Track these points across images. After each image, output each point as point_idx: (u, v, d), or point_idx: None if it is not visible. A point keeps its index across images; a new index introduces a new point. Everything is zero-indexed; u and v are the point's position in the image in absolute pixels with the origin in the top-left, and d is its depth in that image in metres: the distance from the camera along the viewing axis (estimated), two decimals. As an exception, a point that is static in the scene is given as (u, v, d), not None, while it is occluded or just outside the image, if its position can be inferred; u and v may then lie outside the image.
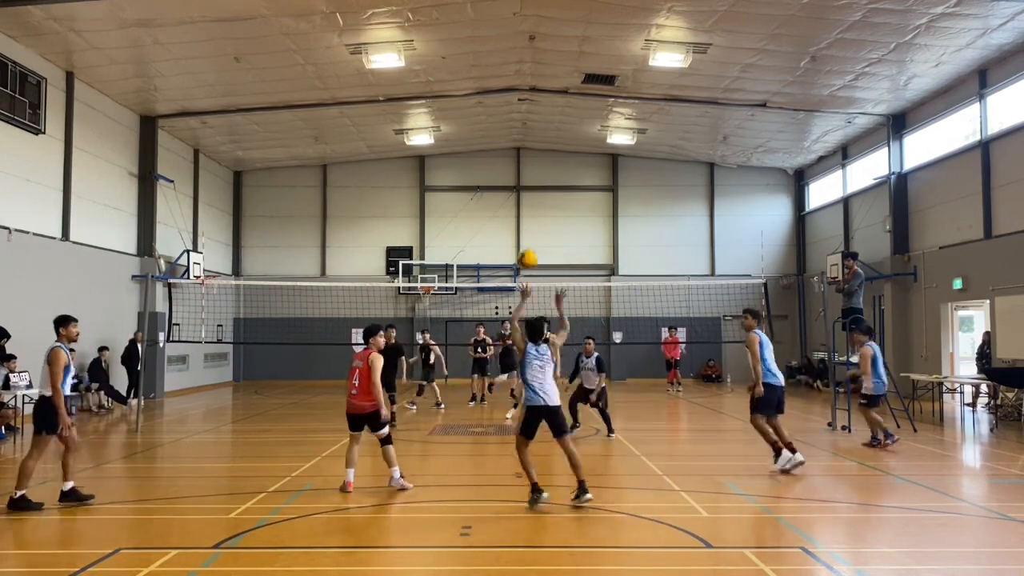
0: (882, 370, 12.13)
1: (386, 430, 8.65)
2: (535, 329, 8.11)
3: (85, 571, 5.74)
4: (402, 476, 8.56)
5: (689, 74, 18.77)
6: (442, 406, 17.32)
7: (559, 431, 7.89)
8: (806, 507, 8.00)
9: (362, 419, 8.62)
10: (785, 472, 9.36)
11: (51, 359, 7.88)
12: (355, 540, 6.88)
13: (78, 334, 8.41)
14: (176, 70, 17.90)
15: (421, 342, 17.71)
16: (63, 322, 8.27)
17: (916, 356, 20.25)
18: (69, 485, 8.00)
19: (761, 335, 9.79)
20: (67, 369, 7.94)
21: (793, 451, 9.42)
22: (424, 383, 17.31)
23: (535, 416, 7.88)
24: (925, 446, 11.85)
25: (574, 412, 13.48)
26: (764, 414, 9.52)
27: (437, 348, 17.73)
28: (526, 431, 7.89)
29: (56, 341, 8.11)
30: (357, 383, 8.56)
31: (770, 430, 9.48)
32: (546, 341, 8.08)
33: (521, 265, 11.19)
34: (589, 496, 7.68)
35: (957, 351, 19.77)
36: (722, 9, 15.13)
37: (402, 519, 7.64)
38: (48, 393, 7.87)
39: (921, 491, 8.64)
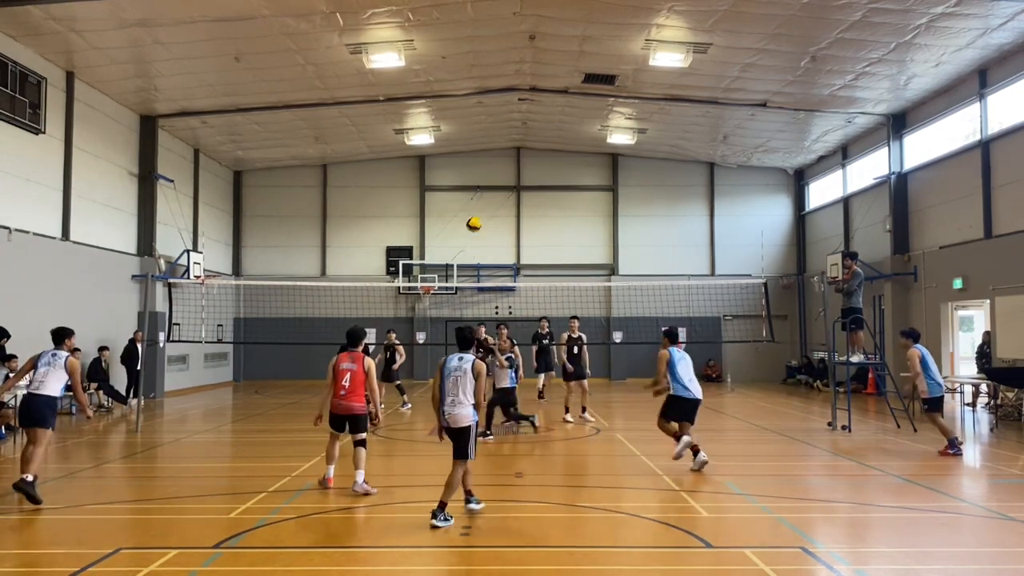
0: (934, 370, 11.53)
1: (365, 433, 8.70)
2: (463, 339, 7.62)
3: (85, 571, 5.74)
4: (366, 481, 8.47)
5: (689, 74, 18.77)
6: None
7: (457, 453, 7.29)
8: (806, 507, 8.00)
9: (349, 419, 8.66)
10: (678, 458, 9.87)
11: (71, 368, 8.69)
12: (355, 540, 6.89)
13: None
14: (176, 70, 17.90)
15: (386, 342, 17.28)
16: (70, 333, 9.12)
17: (916, 356, 20.22)
18: (31, 476, 8.09)
19: (673, 352, 9.99)
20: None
21: (679, 438, 9.84)
22: (400, 383, 17.09)
23: (446, 433, 7.39)
24: (925, 446, 11.83)
25: (489, 418, 12.76)
26: (669, 419, 9.97)
27: (402, 348, 17.53)
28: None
29: (59, 348, 8.83)
30: (348, 384, 8.56)
31: (673, 428, 9.94)
32: (488, 353, 7.62)
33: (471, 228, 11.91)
34: (439, 524, 6.94)
35: (957, 351, 19.77)
36: (722, 9, 15.12)
37: (402, 519, 7.63)
38: (55, 394, 8.60)
39: (921, 491, 8.64)
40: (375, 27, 16.11)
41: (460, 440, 7.28)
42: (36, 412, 8.53)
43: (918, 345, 11.72)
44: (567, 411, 15.08)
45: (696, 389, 9.89)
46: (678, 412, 9.87)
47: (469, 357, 7.42)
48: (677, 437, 9.82)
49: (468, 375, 7.27)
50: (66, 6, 14.47)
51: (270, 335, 24.22)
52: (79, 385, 9.10)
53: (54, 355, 8.76)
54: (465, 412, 7.24)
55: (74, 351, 9.11)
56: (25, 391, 8.73)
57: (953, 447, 10.92)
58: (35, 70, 16.21)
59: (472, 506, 7.53)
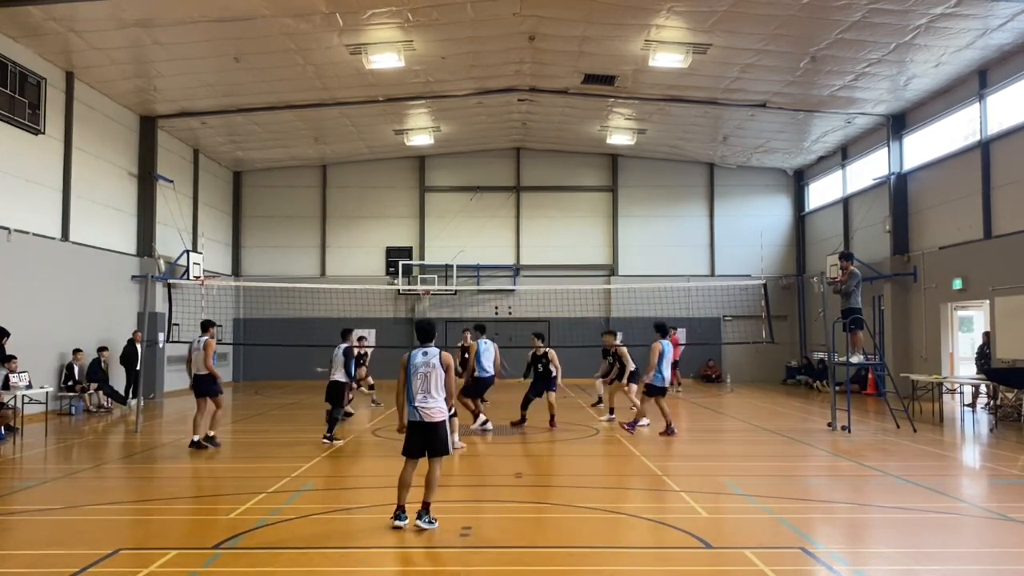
0: (666, 365, 13.03)
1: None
2: (423, 332, 7.37)
3: (85, 571, 5.74)
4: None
5: (689, 74, 18.77)
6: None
7: (433, 451, 7.11)
8: (806, 507, 8.00)
9: None
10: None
11: (206, 346, 11.54)
12: (355, 541, 6.88)
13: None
14: (176, 70, 17.90)
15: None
16: (210, 324, 11.94)
17: (916, 356, 20.25)
18: (212, 433, 11.70)
19: (481, 343, 13.69)
20: (215, 354, 11.83)
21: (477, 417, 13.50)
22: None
23: (413, 432, 7.14)
24: (925, 446, 11.85)
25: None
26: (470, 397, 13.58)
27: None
28: (406, 449, 7.18)
29: (202, 336, 11.71)
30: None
31: (471, 405, 13.43)
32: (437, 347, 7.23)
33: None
34: (425, 527, 6.89)
35: (957, 351, 19.75)
36: (722, 9, 15.13)
37: (402, 519, 7.63)
38: (205, 372, 11.59)
39: (921, 491, 8.64)
40: (375, 27, 16.11)
41: (436, 435, 7.09)
42: (201, 388, 11.71)
43: (664, 340, 13.07)
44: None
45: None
46: (476, 391, 13.65)
47: (434, 351, 7.24)
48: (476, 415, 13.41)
49: (438, 369, 7.13)
50: (66, 6, 14.46)
51: (270, 336, 24.20)
52: (210, 360, 11.53)
53: (199, 341, 11.58)
54: (440, 406, 7.14)
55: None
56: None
57: (631, 426, 13.05)
58: (35, 70, 16.20)
59: (422, 524, 6.94)
